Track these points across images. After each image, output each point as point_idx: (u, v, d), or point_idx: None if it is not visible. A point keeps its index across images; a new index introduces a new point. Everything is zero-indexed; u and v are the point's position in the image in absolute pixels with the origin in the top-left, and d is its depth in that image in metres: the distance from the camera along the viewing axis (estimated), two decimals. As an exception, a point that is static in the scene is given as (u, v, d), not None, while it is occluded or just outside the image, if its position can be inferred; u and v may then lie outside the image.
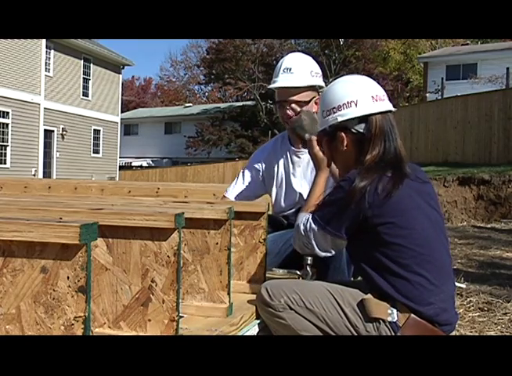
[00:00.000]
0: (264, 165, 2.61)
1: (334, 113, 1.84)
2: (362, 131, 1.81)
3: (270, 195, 2.66)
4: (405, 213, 1.73)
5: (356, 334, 1.74)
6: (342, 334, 1.75)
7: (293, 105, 2.43)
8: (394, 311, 1.71)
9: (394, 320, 1.71)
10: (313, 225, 1.80)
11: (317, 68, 2.49)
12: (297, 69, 2.42)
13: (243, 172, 2.67)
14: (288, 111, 2.43)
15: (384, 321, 1.72)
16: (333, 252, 1.85)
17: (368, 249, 1.76)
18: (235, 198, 2.58)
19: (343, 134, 1.83)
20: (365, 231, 1.74)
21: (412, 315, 1.71)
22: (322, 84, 2.48)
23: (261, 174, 2.62)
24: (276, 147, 2.62)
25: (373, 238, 1.74)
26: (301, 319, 1.78)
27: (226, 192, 2.64)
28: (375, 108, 1.81)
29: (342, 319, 1.75)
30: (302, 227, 1.84)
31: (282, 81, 2.43)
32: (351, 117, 1.81)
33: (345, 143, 1.84)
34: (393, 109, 1.85)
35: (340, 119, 1.82)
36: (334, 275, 2.14)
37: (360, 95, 1.81)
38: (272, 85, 2.47)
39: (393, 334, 1.71)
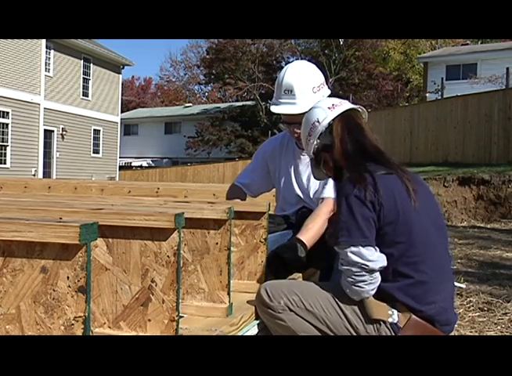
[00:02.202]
0: (269, 159, 2.62)
1: (310, 140, 1.95)
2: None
3: (275, 189, 2.67)
4: (407, 211, 1.74)
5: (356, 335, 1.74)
6: (341, 334, 1.74)
7: (298, 129, 2.42)
8: (395, 312, 1.71)
9: (395, 321, 1.71)
10: (348, 249, 1.70)
11: (318, 79, 2.42)
12: (299, 91, 2.35)
13: (251, 164, 2.71)
14: (295, 134, 2.44)
15: (384, 322, 1.71)
16: (384, 260, 1.73)
17: None
18: (244, 186, 2.61)
19: (324, 153, 1.92)
20: (376, 233, 1.73)
21: (413, 316, 1.71)
22: (327, 92, 2.44)
23: (266, 167, 2.63)
24: (283, 144, 2.61)
25: (378, 239, 1.73)
26: (301, 320, 1.78)
27: (236, 180, 2.67)
28: (332, 115, 1.91)
29: (342, 321, 1.75)
30: (343, 266, 1.73)
31: (285, 105, 2.39)
32: (319, 133, 1.91)
33: (329, 159, 1.90)
34: (354, 106, 1.96)
35: (315, 141, 1.93)
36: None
37: (318, 112, 1.94)
38: (276, 110, 2.43)
39: (393, 335, 1.70)
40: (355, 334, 1.74)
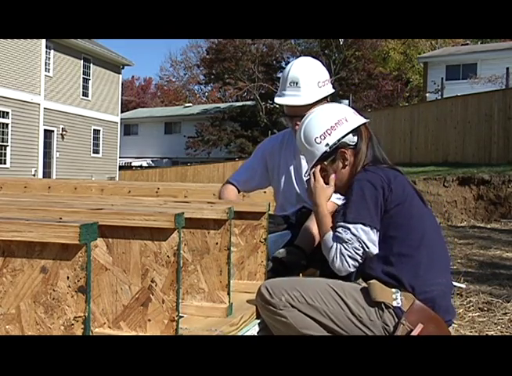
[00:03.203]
0: (269, 157, 2.62)
1: (330, 134, 1.94)
2: (356, 141, 1.95)
3: (273, 188, 2.67)
4: (409, 197, 1.85)
5: (360, 325, 1.75)
6: (345, 326, 1.76)
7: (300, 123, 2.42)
8: (399, 296, 1.74)
9: (399, 305, 1.72)
10: (357, 225, 1.79)
11: (324, 75, 2.44)
12: (304, 83, 2.36)
13: (249, 161, 2.71)
14: (297, 127, 2.43)
15: (387, 307, 1.73)
16: (378, 247, 1.82)
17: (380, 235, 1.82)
18: (238, 183, 2.61)
19: (343, 149, 1.95)
20: (382, 217, 1.82)
21: (417, 301, 1.73)
22: (331, 90, 2.46)
23: (265, 164, 2.63)
24: (283, 143, 2.61)
25: (385, 224, 1.81)
26: (303, 316, 1.79)
27: (231, 177, 2.67)
28: (361, 120, 1.98)
29: (344, 312, 1.77)
30: (347, 235, 1.80)
31: (289, 97, 2.39)
32: (347, 131, 1.93)
33: (348, 157, 1.95)
34: (367, 120, 2.02)
35: (339, 136, 1.93)
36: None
37: (346, 113, 1.98)
38: (280, 101, 2.43)
39: (397, 320, 1.72)
40: (358, 323, 1.75)
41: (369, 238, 1.79)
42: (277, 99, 2.45)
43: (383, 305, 1.74)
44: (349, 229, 1.80)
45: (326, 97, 2.45)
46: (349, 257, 1.79)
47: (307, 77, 2.38)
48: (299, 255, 2.16)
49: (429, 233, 1.85)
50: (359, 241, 1.78)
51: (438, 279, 1.79)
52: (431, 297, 1.75)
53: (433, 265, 1.80)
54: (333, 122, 1.94)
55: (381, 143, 2.04)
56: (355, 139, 1.95)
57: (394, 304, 1.74)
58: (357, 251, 1.79)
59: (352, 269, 1.82)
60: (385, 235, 1.81)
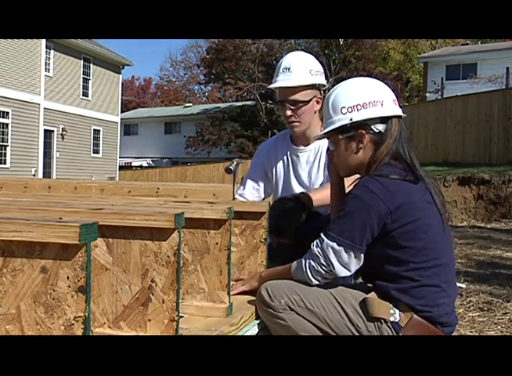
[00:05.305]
0: (266, 162, 2.63)
1: (358, 110, 1.79)
2: (382, 131, 1.79)
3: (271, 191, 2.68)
4: (421, 218, 1.72)
5: (357, 334, 1.74)
6: (343, 334, 1.75)
7: (291, 107, 2.42)
8: (397, 311, 1.71)
9: (397, 320, 1.71)
10: (331, 243, 1.72)
11: (317, 66, 2.47)
12: (296, 68, 2.40)
13: (250, 173, 2.70)
14: (288, 111, 2.43)
15: (385, 321, 1.71)
16: (353, 271, 1.76)
17: (378, 254, 1.74)
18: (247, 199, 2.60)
19: (364, 132, 1.80)
20: (379, 237, 1.72)
21: (415, 316, 1.70)
22: (324, 82, 2.48)
23: (264, 170, 2.63)
24: (277, 145, 2.62)
25: (386, 243, 1.72)
26: (301, 320, 1.78)
27: (239, 195, 2.64)
28: (397, 111, 1.82)
29: (343, 320, 1.75)
30: (316, 249, 1.75)
31: (280, 81, 2.42)
32: (377, 115, 1.78)
33: (364, 142, 1.81)
34: (404, 115, 1.86)
35: (366, 116, 1.78)
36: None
37: (385, 97, 1.82)
38: (272, 85, 2.47)
39: (395, 334, 1.70)
40: (356, 332, 1.74)
41: (340, 260, 1.72)
42: (270, 86, 2.50)
43: (381, 319, 1.72)
44: (322, 243, 1.74)
45: (319, 88, 2.47)
46: (314, 270, 1.76)
47: (299, 63, 2.42)
48: (295, 210, 2.18)
49: (438, 257, 1.75)
50: (326, 259, 1.73)
51: (442, 299, 1.74)
52: (432, 316, 1.72)
53: (438, 287, 1.73)
54: (367, 99, 1.79)
55: (412, 144, 1.85)
56: (382, 127, 1.79)
57: (392, 319, 1.70)
58: (323, 268, 1.74)
59: (318, 282, 1.78)
60: (386, 254, 1.73)
